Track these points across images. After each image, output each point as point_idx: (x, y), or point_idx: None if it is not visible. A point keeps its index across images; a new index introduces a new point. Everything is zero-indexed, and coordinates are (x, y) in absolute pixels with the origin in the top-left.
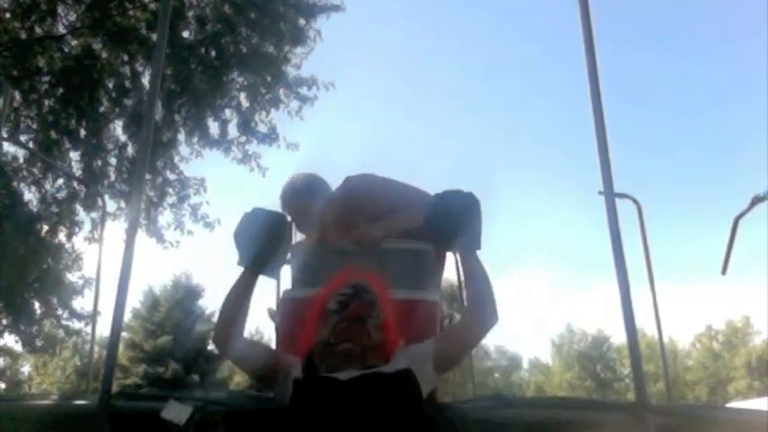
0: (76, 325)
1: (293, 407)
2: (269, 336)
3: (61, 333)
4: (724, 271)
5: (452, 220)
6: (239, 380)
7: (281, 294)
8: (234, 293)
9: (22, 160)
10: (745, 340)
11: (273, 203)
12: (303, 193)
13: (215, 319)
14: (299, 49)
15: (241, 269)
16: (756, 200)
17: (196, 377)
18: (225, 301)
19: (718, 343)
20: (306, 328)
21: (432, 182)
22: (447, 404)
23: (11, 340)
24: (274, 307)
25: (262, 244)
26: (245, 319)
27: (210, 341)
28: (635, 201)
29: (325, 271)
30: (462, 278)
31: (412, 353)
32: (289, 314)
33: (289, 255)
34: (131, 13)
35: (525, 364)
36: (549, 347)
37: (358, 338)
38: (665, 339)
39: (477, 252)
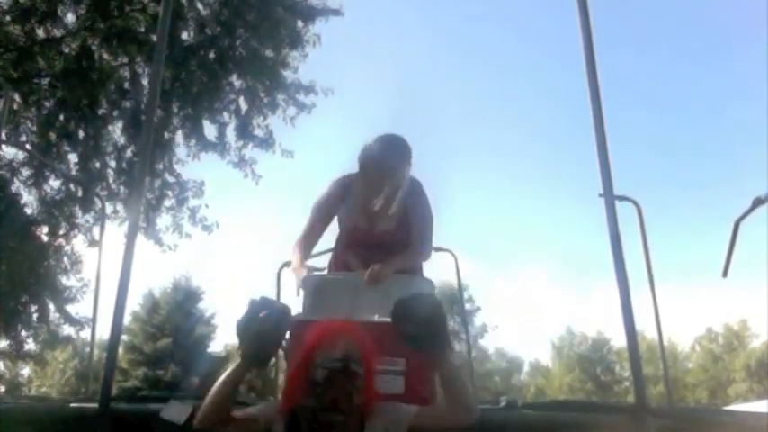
0: (67, 330)
1: None
2: None
3: (53, 339)
4: (725, 274)
5: (417, 327)
6: None
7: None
8: (228, 382)
9: (21, 162)
10: (744, 343)
11: (271, 208)
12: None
13: (215, 321)
14: (297, 53)
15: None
16: (757, 202)
17: (195, 379)
18: (218, 387)
19: (719, 345)
20: (289, 385)
21: (432, 183)
22: None
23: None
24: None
25: (264, 341)
26: (234, 403)
27: (198, 418)
28: (635, 203)
29: (334, 304)
30: (438, 378)
31: (386, 418)
32: (298, 338)
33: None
34: (131, 14)
35: (525, 367)
36: (550, 350)
37: (342, 409)
38: (665, 342)
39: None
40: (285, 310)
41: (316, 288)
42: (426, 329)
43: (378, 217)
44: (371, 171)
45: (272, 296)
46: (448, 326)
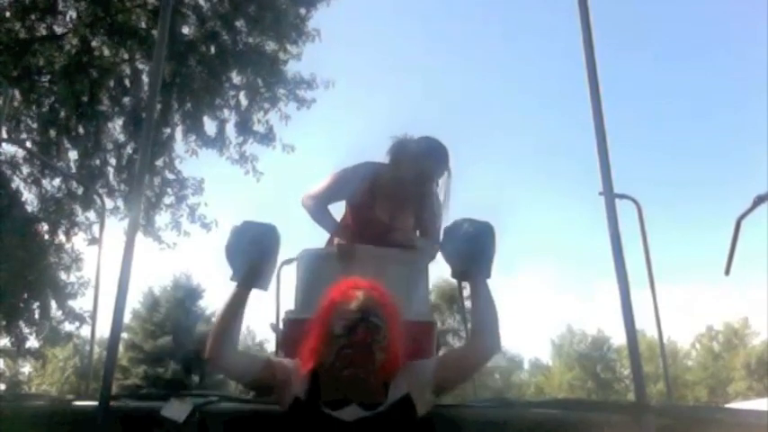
0: (68, 327)
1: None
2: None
3: (55, 335)
4: (727, 272)
5: (465, 246)
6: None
7: (282, 312)
8: (228, 308)
9: (21, 160)
10: (744, 341)
11: (270, 206)
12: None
13: (215, 319)
14: (298, 46)
15: (233, 284)
16: (758, 200)
17: (196, 378)
18: (219, 315)
19: (719, 344)
20: (309, 343)
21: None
22: (448, 404)
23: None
24: (275, 321)
25: (254, 259)
26: (239, 332)
27: (206, 352)
28: (635, 201)
29: (329, 279)
30: (470, 303)
31: (412, 375)
32: (291, 336)
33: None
34: (132, 10)
35: (525, 365)
36: (550, 348)
37: (363, 364)
38: (665, 340)
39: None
40: (271, 225)
41: (310, 262)
42: (475, 247)
43: (398, 214)
44: (408, 173)
45: (272, 294)
46: (494, 252)
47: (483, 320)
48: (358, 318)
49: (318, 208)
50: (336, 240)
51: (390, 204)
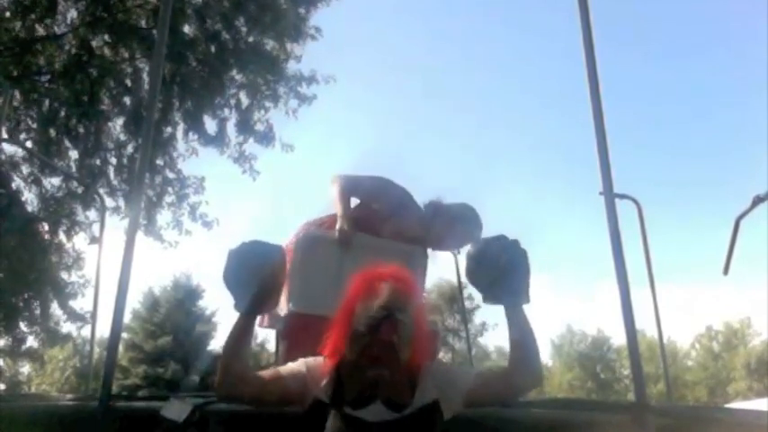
0: (68, 327)
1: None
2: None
3: (54, 335)
4: (726, 271)
5: (498, 273)
6: None
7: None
8: (235, 339)
9: (21, 159)
10: (745, 341)
11: (270, 204)
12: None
13: (215, 319)
14: (299, 44)
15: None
16: (757, 200)
17: (196, 378)
18: (227, 347)
19: (718, 344)
20: (331, 340)
21: (432, 182)
22: None
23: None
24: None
25: (259, 287)
26: (249, 359)
27: (216, 385)
28: (635, 201)
29: (326, 263)
30: (507, 332)
31: (439, 378)
32: (295, 331)
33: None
34: (132, 9)
35: None
36: (550, 348)
37: (388, 363)
38: (665, 340)
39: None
40: (275, 246)
41: (306, 244)
42: (511, 275)
43: (393, 234)
44: (437, 233)
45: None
46: (530, 274)
47: (524, 354)
48: (383, 315)
49: (345, 196)
50: (339, 224)
51: (394, 235)
